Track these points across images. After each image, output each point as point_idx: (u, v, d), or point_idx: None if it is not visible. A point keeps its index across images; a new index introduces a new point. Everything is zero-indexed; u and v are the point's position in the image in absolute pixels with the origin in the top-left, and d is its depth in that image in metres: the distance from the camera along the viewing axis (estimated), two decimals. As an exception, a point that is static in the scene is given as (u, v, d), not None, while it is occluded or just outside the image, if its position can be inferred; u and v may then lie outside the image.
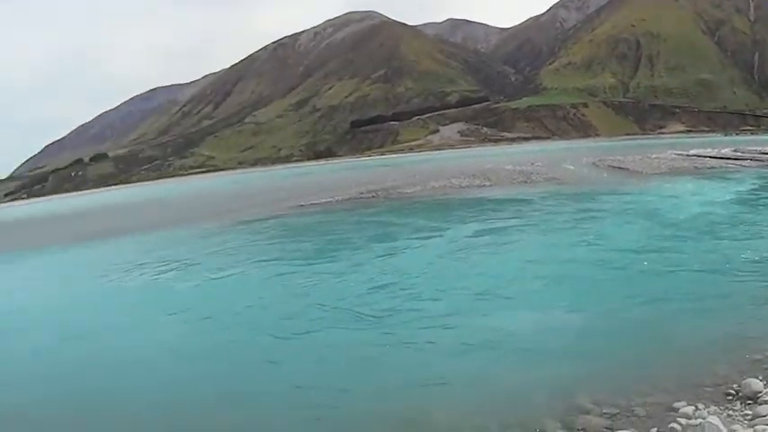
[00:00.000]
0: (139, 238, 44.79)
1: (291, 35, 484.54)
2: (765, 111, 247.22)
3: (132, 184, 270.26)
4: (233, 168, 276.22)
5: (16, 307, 25.72)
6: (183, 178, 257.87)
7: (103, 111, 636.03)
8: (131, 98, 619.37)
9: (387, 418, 11.14)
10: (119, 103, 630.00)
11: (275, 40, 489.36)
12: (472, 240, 27.38)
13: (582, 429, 9.68)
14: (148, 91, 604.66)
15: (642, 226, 26.92)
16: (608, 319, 15.39)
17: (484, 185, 53.67)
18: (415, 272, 22.18)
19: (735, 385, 10.33)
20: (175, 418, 12.77)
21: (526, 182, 53.11)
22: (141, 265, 30.83)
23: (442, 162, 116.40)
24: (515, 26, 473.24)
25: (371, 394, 12.41)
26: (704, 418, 9.02)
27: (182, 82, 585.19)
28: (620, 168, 59.63)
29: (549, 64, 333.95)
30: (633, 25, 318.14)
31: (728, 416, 9.30)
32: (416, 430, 10.61)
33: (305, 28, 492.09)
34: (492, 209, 38.09)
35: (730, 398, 9.99)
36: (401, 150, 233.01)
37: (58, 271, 34.93)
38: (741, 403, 9.84)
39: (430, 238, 29.30)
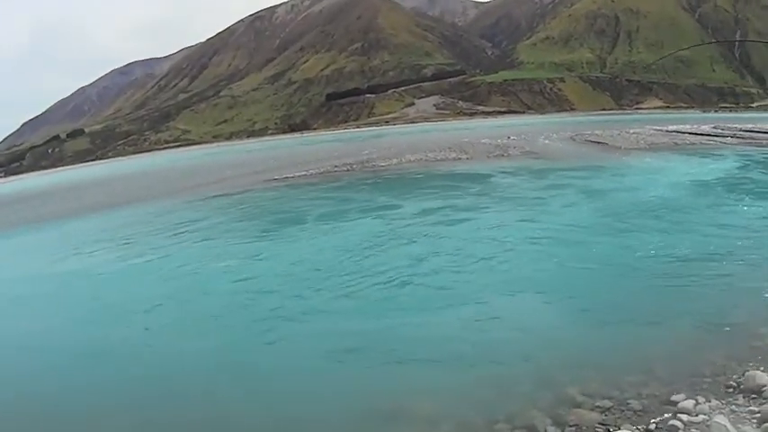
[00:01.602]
0: (95, 217, 44.49)
1: (269, 8, 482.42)
2: (745, 89, 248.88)
3: (108, 160, 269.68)
4: (208, 142, 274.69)
5: None
6: (159, 153, 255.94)
7: (81, 85, 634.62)
8: (109, 72, 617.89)
9: (359, 411, 10.58)
10: (96, 78, 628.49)
11: (253, 12, 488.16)
12: (440, 216, 26.90)
13: (574, 425, 9.05)
14: (126, 65, 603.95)
15: (622, 204, 26.26)
16: (590, 302, 14.82)
17: (460, 159, 53.29)
18: (378, 251, 21.55)
19: (735, 376, 9.83)
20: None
21: (503, 155, 52.63)
22: (80, 247, 31.02)
23: (419, 135, 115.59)
24: (494, 0, 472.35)
25: (332, 390, 11.75)
26: (705, 414, 8.57)
27: (159, 56, 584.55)
28: (597, 143, 59.27)
29: (527, 38, 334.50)
30: (612, 0, 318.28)
31: (732, 412, 8.70)
32: (393, 423, 9.97)
33: (283, 0, 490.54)
34: (466, 183, 37.68)
35: (731, 390, 9.43)
36: (377, 123, 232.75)
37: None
38: (744, 398, 9.21)
39: (398, 213, 28.85)
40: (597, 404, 9.44)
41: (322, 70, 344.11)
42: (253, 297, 18.16)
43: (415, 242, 22.15)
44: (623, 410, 9.25)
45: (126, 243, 30.29)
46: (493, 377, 11.11)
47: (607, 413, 9.21)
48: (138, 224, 37.27)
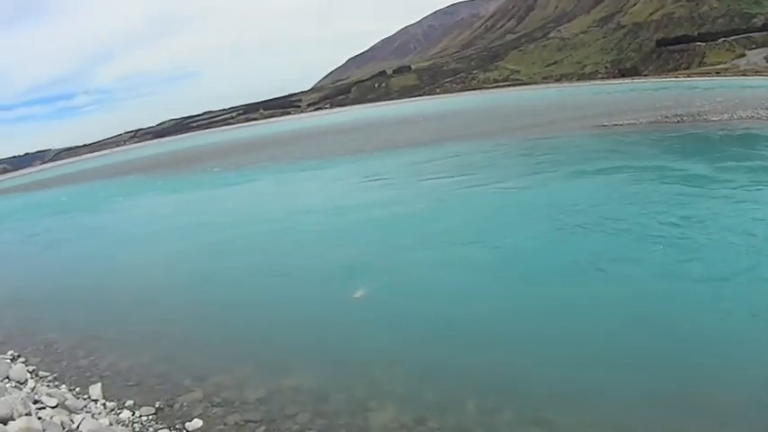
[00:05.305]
0: (427, 150, 50.81)
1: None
2: None
3: (436, 96, 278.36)
4: (537, 83, 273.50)
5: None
6: (487, 91, 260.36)
7: (406, 25, 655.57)
8: (433, 12, 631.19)
9: (653, 390, 10.72)
10: (421, 18, 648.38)
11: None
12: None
13: None
14: (450, 5, 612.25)
15: None
16: None
17: (792, 119, 47.18)
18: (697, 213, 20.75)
19: None
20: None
21: None
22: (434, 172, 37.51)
23: (749, 90, 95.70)
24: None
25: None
26: None
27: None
28: None
29: None
30: None
31: None
32: (692, 414, 10.01)
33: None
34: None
35: None
36: (707, 73, 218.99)
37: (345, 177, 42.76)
38: None
39: (723, 174, 27.15)
40: None
41: (651, 14, 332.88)
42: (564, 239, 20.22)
43: (732, 214, 20.50)
44: None
45: (463, 172, 35.48)
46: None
47: None
48: (468, 157, 42.99)
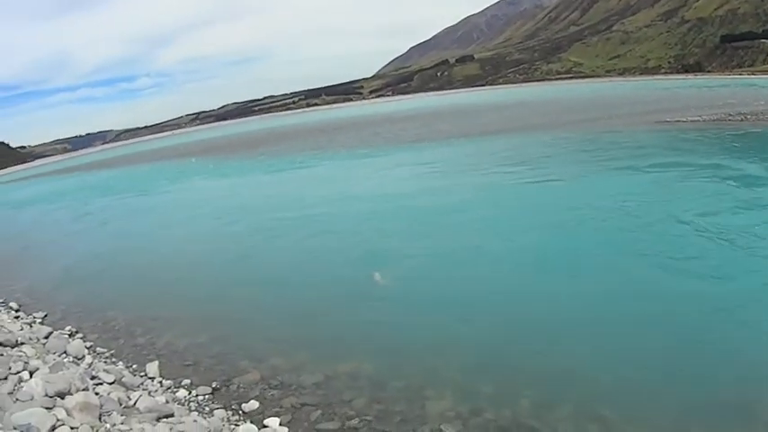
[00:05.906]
0: (485, 140, 51.42)
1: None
2: None
3: (499, 87, 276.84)
4: (599, 76, 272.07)
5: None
6: (550, 83, 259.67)
7: (469, 14, 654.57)
8: (497, 2, 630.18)
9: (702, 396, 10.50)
10: (484, 7, 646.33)
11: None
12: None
13: None
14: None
15: None
16: None
17: None
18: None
19: None
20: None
21: None
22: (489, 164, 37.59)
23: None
24: None
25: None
26: None
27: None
28: None
29: None
30: None
31: None
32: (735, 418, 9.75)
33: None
34: None
35: None
36: None
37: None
38: None
39: None
40: None
41: (715, 10, 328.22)
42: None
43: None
44: None
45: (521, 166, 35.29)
46: None
47: None
48: (528, 150, 43.09)
